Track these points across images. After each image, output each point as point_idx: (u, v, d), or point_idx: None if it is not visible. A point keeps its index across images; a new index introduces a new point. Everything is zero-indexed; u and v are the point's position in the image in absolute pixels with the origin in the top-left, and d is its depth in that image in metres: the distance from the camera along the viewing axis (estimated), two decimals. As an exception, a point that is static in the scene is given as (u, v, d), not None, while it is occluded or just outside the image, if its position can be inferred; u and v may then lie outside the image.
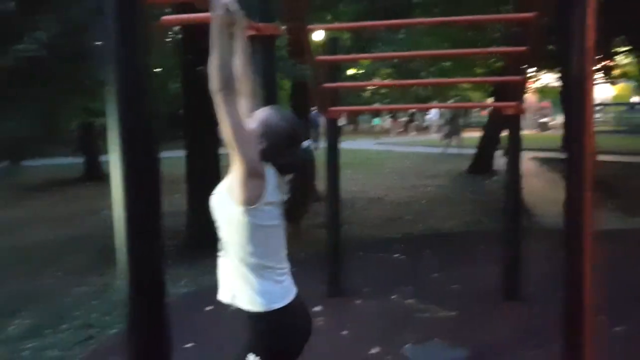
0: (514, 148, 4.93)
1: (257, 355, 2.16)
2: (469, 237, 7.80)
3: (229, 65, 1.98)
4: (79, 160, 15.80)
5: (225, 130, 1.97)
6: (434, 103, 24.53)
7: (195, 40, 6.55)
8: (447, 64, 18.32)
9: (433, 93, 31.59)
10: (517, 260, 5.03)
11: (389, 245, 7.24)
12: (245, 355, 2.17)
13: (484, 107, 13.41)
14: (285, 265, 2.27)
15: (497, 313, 4.83)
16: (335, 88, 4.92)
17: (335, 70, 5.11)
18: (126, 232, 1.56)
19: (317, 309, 4.94)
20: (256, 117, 2.19)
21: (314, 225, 7.79)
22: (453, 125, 20.74)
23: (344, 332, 4.48)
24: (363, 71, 28.79)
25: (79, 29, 5.05)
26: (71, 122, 9.99)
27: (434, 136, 29.43)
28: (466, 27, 11.54)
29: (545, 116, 32.55)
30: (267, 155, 2.12)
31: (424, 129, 33.33)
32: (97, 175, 15.58)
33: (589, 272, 2.57)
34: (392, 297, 5.27)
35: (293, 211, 2.23)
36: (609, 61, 14.54)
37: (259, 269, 2.14)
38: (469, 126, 37.42)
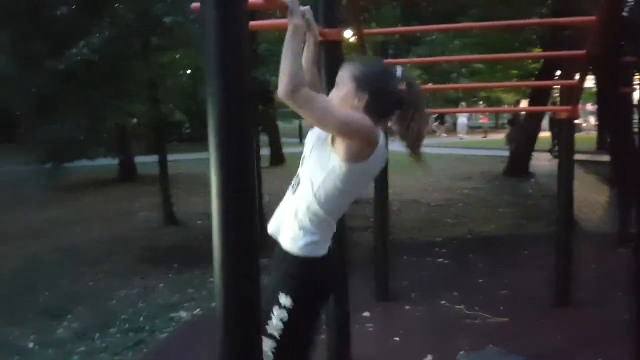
0: (567, 152, 4.83)
1: (287, 295, 2.15)
2: (511, 241, 7.67)
3: (300, 69, 1.95)
4: (114, 161, 15.96)
5: (322, 123, 1.97)
6: (474, 106, 24.13)
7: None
8: (480, 65, 18.14)
9: (463, 95, 31.45)
10: (567, 266, 4.93)
11: (431, 249, 7.17)
12: (276, 295, 2.16)
13: (537, 112, 13.18)
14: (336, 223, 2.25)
15: (550, 319, 4.72)
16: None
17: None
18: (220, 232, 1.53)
19: (366, 314, 4.90)
20: (341, 80, 2.14)
21: (356, 228, 7.76)
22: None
23: (396, 339, 4.42)
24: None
25: (130, 33, 5.08)
26: (111, 124, 10.13)
27: (466, 138, 29.28)
28: (504, 29, 11.40)
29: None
30: (374, 105, 2.06)
31: (453, 130, 33.12)
32: (132, 176, 15.78)
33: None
34: (441, 302, 5.20)
35: None
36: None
37: (319, 218, 2.13)
38: (502, 127, 37.08)
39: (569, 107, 4.58)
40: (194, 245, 7.81)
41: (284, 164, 19.86)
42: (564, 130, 4.79)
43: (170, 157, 10.47)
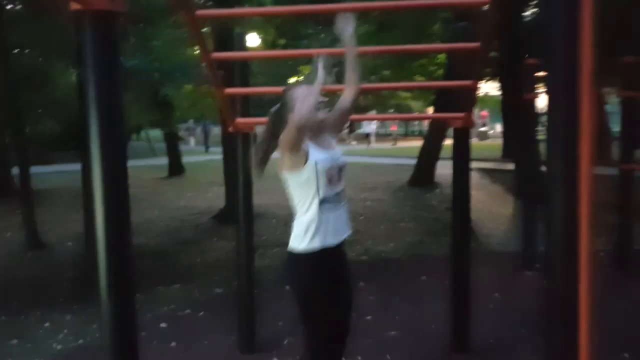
0: (462, 163, 4.07)
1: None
2: (410, 263, 6.90)
3: None
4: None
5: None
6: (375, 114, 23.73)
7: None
8: (387, 72, 17.70)
9: (373, 102, 31.27)
10: (466, 301, 4.13)
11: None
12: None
13: (431, 119, 12.74)
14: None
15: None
16: (240, 94, 3.89)
17: (245, 73, 4.08)
18: None
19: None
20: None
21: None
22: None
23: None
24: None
25: None
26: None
27: (374, 146, 28.99)
28: (406, 34, 10.83)
29: (484, 125, 32.76)
30: None
31: (364, 138, 32.74)
32: (7, 190, 14.07)
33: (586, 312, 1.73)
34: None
35: None
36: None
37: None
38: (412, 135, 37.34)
39: (461, 115, 3.80)
40: (50, 277, 6.58)
41: (183, 174, 18.66)
42: (458, 139, 4.02)
43: (53, 168, 9.15)
